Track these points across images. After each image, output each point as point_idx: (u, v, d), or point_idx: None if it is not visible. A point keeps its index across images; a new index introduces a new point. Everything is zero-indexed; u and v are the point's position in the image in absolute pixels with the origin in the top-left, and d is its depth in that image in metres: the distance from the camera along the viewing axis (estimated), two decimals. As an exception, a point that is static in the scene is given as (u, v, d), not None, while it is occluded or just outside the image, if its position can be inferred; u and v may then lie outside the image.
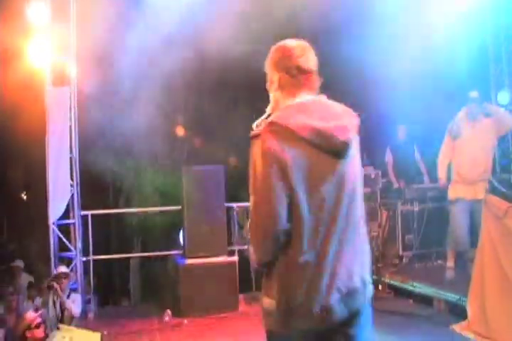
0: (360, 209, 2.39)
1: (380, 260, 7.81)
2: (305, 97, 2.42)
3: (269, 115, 2.48)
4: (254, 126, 2.50)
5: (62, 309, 6.15)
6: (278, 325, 2.31)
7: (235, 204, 7.65)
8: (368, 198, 8.25)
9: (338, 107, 2.45)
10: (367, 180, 8.24)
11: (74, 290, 6.92)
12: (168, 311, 6.31)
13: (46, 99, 7.30)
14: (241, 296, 6.91)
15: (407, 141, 8.65)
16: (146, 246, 8.95)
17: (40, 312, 5.39)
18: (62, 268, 6.48)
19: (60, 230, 7.26)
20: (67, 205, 7.31)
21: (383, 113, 8.66)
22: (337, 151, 2.31)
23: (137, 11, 7.71)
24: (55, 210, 7.23)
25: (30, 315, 5.16)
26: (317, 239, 2.25)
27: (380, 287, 7.30)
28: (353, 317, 2.37)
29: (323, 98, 2.47)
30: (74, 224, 7.36)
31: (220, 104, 10.20)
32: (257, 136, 2.33)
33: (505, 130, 6.55)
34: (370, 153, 8.61)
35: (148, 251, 8.43)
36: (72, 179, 7.36)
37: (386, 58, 8.11)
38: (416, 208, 7.83)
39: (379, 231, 8.21)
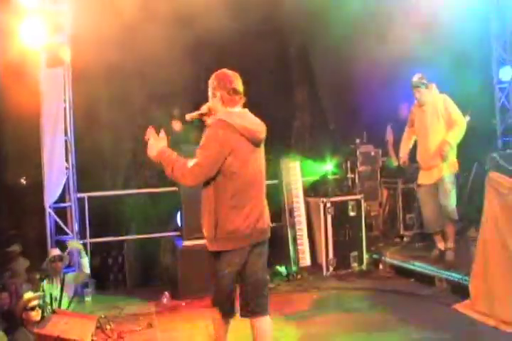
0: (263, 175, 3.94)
1: (381, 239, 7.74)
2: (237, 109, 3.84)
3: (203, 113, 3.97)
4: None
5: (60, 293, 6.13)
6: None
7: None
8: (369, 177, 8.17)
9: (255, 118, 3.92)
10: (367, 158, 8.15)
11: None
12: (166, 293, 6.24)
13: (40, 80, 7.19)
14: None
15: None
16: (144, 228, 8.86)
17: (38, 293, 5.32)
18: (55, 251, 6.42)
19: (57, 214, 7.19)
20: (64, 188, 7.24)
21: (384, 91, 8.49)
22: (257, 143, 3.83)
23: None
24: (50, 193, 7.15)
25: (28, 295, 5.08)
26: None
27: (380, 266, 7.25)
28: None
29: (247, 111, 3.90)
30: (70, 207, 7.28)
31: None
32: (209, 126, 3.77)
33: (442, 115, 6.26)
34: (371, 132, 8.47)
35: (145, 233, 8.32)
36: (67, 161, 7.26)
37: (387, 34, 7.97)
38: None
39: (379, 211, 8.13)
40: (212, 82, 3.85)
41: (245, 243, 3.76)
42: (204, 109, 3.98)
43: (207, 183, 3.73)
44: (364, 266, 7.29)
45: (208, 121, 3.88)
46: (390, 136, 8.49)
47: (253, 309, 3.84)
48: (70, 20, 7.26)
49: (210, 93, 3.88)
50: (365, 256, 7.33)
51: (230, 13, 8.72)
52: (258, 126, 3.85)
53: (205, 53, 9.37)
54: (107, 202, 8.69)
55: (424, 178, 6.47)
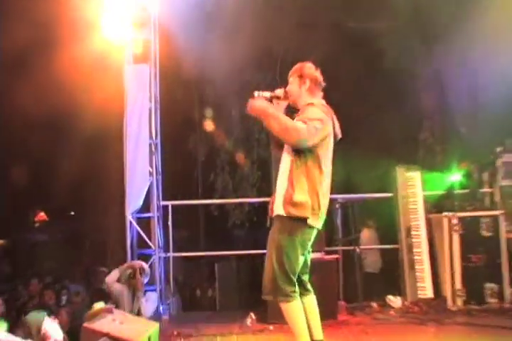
0: None
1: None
2: (320, 99, 3.88)
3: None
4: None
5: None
6: None
7: (338, 196, 6.37)
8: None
9: None
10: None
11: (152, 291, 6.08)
12: (252, 314, 5.27)
13: (124, 77, 6.57)
14: (342, 304, 5.72)
15: None
16: (237, 244, 7.92)
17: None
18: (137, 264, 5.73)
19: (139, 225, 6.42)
20: (146, 196, 6.45)
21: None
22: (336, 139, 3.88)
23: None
24: (132, 201, 6.39)
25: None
26: None
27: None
28: None
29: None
30: (153, 217, 6.45)
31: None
32: (309, 104, 3.76)
33: None
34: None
35: (238, 248, 7.33)
36: (151, 166, 6.49)
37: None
38: None
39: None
40: (300, 68, 3.87)
41: None
42: (280, 92, 3.88)
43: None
44: (506, 303, 5.67)
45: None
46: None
47: None
48: (157, 15, 6.68)
49: (293, 79, 3.86)
50: (507, 291, 5.72)
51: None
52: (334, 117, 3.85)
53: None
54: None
55: None
